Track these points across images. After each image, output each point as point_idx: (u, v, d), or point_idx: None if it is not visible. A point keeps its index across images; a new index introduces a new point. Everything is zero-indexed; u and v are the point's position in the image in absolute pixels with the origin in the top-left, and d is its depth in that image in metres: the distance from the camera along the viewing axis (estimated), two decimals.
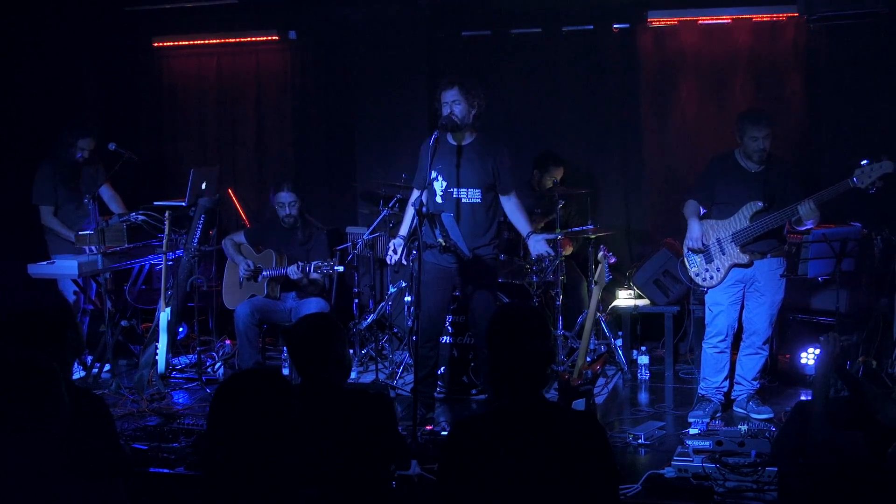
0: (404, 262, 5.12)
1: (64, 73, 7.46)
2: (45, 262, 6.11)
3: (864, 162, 4.80)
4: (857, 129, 6.51)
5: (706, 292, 5.33)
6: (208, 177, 6.60)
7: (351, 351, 6.32)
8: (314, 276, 5.87)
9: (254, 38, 7.95)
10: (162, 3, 7.62)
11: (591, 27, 7.23)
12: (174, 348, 6.43)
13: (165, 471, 4.39)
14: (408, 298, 6.10)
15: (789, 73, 6.90)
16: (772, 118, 5.18)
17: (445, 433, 4.81)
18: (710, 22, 7.03)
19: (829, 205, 5.00)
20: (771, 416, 5.16)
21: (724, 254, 5.19)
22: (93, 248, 6.07)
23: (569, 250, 6.63)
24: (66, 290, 6.33)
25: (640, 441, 4.74)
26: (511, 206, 5.13)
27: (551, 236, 5.74)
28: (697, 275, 5.26)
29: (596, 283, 5.09)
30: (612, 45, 7.23)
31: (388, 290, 6.59)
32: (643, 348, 6.35)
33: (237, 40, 7.98)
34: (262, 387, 2.32)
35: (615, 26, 7.20)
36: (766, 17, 6.92)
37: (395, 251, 5.10)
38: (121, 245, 6.21)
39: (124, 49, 7.91)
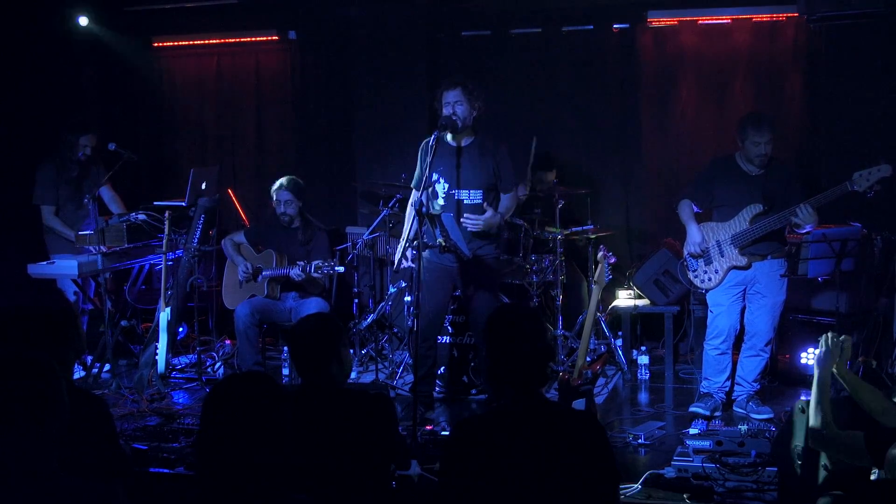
0: (414, 266, 5.13)
1: (64, 72, 7.46)
2: (44, 262, 6.11)
3: (856, 175, 4.79)
4: (857, 129, 6.50)
5: (706, 293, 5.34)
6: (208, 177, 6.59)
7: (351, 351, 6.32)
8: (315, 276, 5.87)
9: (254, 39, 7.96)
10: (162, 3, 7.62)
11: (591, 27, 7.23)
12: (174, 348, 6.42)
13: (165, 471, 4.39)
14: (408, 298, 6.10)
15: (789, 74, 6.91)
16: (773, 122, 5.18)
17: (445, 433, 4.82)
18: (710, 22, 7.03)
19: (829, 206, 5.01)
20: (771, 416, 5.16)
21: (722, 256, 5.19)
22: (93, 248, 6.07)
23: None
24: (65, 290, 6.33)
25: (640, 441, 4.74)
26: (504, 197, 5.14)
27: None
28: (696, 276, 5.28)
29: (596, 283, 5.09)
30: (611, 46, 7.23)
31: (388, 290, 6.58)
32: (643, 348, 6.34)
33: (237, 40, 7.98)
34: (252, 392, 2.30)
35: (615, 26, 7.20)
36: (766, 18, 6.92)
37: (405, 258, 5.16)
38: (121, 245, 6.22)
39: (124, 49, 7.91)
